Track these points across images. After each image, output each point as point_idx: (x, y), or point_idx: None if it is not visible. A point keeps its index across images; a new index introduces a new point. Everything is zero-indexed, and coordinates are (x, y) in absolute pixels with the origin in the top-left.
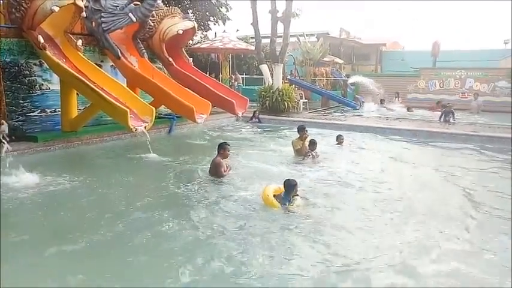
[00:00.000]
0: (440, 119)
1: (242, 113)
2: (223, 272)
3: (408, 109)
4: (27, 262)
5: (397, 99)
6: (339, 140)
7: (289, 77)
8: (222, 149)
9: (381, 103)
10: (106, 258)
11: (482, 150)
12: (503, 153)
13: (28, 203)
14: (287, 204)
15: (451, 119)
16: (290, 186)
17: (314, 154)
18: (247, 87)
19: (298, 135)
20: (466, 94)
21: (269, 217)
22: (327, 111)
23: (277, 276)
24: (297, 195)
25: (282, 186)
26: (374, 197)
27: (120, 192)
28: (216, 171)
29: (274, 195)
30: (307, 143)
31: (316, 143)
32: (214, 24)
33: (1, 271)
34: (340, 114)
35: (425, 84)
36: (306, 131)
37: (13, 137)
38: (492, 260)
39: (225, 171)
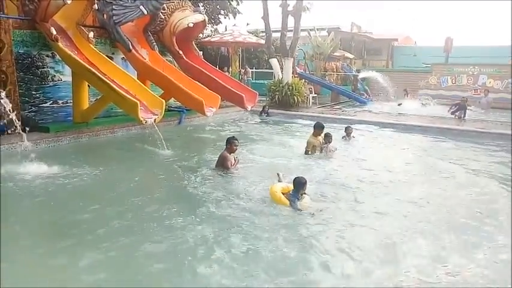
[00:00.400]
0: (452, 111)
1: (251, 107)
2: (230, 267)
3: (423, 104)
4: (36, 250)
5: (406, 96)
6: (348, 131)
7: (298, 70)
8: (230, 143)
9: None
10: (112, 249)
11: (491, 147)
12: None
13: (38, 192)
14: (296, 202)
15: (463, 115)
16: (300, 184)
17: (332, 148)
18: (256, 81)
19: (313, 132)
20: (478, 91)
21: (277, 214)
22: (336, 106)
23: (287, 274)
24: (305, 193)
25: (289, 185)
26: (381, 192)
27: (129, 184)
28: (222, 165)
29: (282, 194)
30: (321, 138)
31: (331, 136)
32: (225, 18)
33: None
34: (349, 109)
35: (437, 80)
36: (323, 129)
37: (26, 128)
38: None
39: (232, 165)
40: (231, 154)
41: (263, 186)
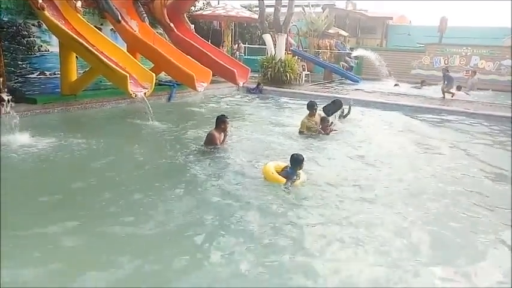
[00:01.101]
0: (444, 86)
1: (243, 83)
2: (224, 246)
3: (421, 83)
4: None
5: (390, 77)
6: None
7: (291, 42)
8: (222, 122)
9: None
10: (93, 221)
11: (476, 127)
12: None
13: (24, 163)
14: (295, 178)
15: (450, 86)
16: (298, 161)
17: (331, 128)
18: (249, 57)
19: (309, 113)
20: (470, 72)
21: (272, 192)
22: (328, 84)
23: (281, 252)
24: (301, 170)
25: (280, 163)
26: (374, 170)
27: (117, 158)
28: (210, 142)
29: (277, 172)
30: (317, 119)
31: (328, 120)
32: None
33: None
34: (342, 88)
35: (430, 61)
36: (316, 108)
37: (12, 98)
38: None
39: (220, 142)
40: (222, 132)
41: (253, 162)
